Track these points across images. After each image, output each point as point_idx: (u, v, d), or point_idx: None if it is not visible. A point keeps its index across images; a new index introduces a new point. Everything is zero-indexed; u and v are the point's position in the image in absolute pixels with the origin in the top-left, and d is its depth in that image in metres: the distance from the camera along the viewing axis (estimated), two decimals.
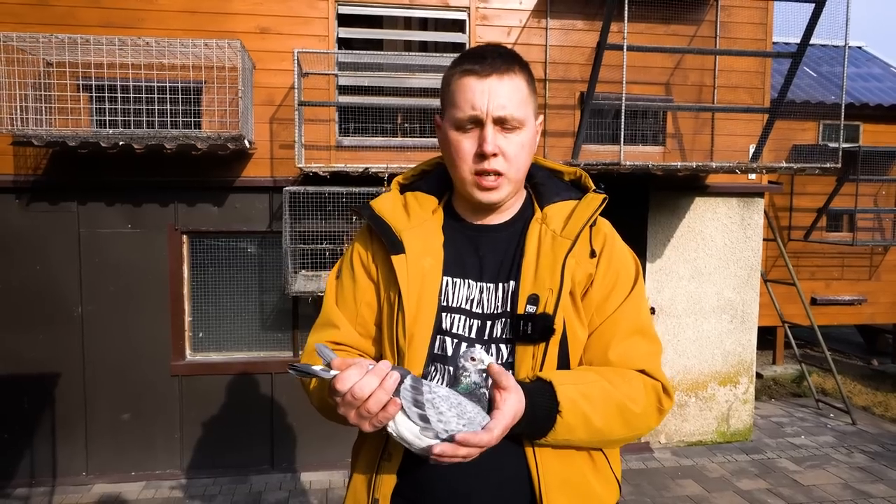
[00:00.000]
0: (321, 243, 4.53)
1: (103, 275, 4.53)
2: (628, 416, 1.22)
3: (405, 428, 1.04)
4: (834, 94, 7.70)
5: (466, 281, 1.30)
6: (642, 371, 1.26)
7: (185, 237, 4.65)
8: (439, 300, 1.28)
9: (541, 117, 1.36)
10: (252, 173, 4.63)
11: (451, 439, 1.01)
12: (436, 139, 4.86)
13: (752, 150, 5.19)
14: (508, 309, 1.26)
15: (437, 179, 1.41)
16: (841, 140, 4.82)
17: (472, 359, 1.11)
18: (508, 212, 1.35)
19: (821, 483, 4.62)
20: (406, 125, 4.94)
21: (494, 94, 1.21)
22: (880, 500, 4.34)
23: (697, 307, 5.38)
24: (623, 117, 4.28)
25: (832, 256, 7.85)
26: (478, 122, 1.23)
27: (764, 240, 5.76)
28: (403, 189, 1.44)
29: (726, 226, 5.39)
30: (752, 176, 5.32)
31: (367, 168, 4.33)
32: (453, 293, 1.30)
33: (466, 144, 1.25)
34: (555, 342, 1.22)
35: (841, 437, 5.55)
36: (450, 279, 1.30)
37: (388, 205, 1.37)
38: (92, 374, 4.56)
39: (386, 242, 1.30)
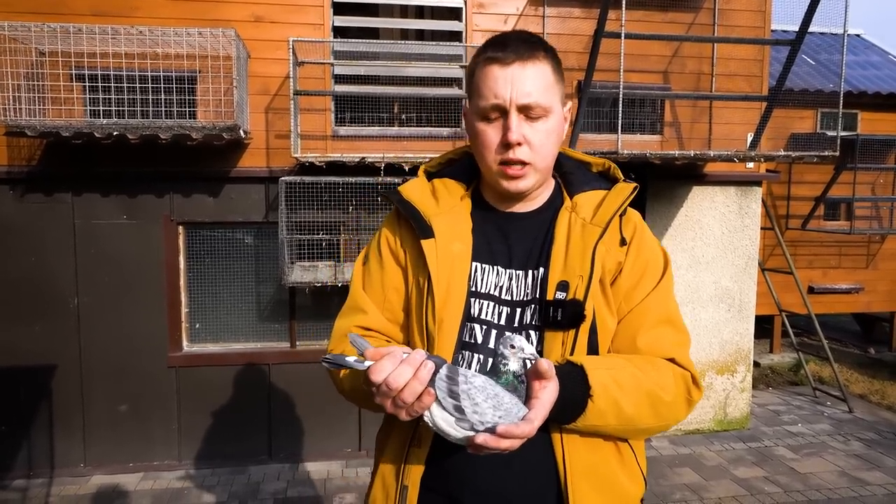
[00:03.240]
0: (318, 233, 4.52)
1: (99, 266, 4.51)
2: (658, 404, 1.20)
3: (441, 418, 1.04)
4: (832, 81, 7.67)
5: (495, 267, 1.29)
6: (671, 360, 1.25)
7: (180, 228, 4.63)
8: (468, 286, 1.26)
9: (570, 103, 1.34)
10: (248, 163, 4.60)
11: (492, 430, 1.00)
12: (432, 129, 4.88)
13: (749, 139, 5.17)
14: (538, 296, 1.25)
15: (464, 168, 1.41)
16: (839, 128, 4.81)
17: (512, 346, 1.08)
18: (537, 200, 1.34)
19: (817, 471, 4.64)
20: (403, 115, 4.91)
21: (518, 81, 1.19)
22: (877, 488, 4.36)
23: (695, 296, 5.38)
24: (621, 106, 4.26)
25: (829, 245, 7.85)
26: (502, 111, 1.21)
27: (762, 229, 5.75)
28: (430, 177, 1.43)
29: (724, 215, 5.37)
30: (750, 164, 5.30)
31: (363, 158, 4.30)
32: (482, 279, 1.28)
33: (491, 134, 1.23)
34: (584, 329, 1.21)
35: (837, 425, 5.57)
36: (479, 265, 1.29)
37: (416, 190, 1.37)
38: (89, 365, 4.55)
39: (416, 226, 1.30)
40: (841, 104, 4.70)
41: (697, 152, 4.50)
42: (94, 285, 4.52)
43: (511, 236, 1.31)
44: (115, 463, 4.61)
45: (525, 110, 1.20)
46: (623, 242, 1.27)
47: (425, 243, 1.27)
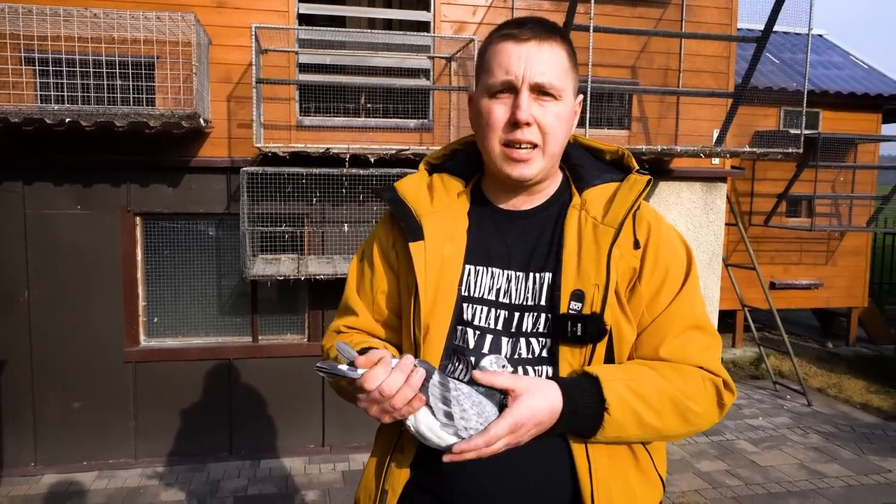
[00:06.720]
0: (280, 225, 4.42)
1: (51, 258, 4.34)
2: (685, 412, 1.15)
3: (424, 423, 1.05)
4: (796, 80, 7.79)
5: (490, 269, 1.22)
6: (699, 367, 1.18)
7: (138, 219, 4.48)
8: (459, 290, 1.21)
9: (581, 97, 1.28)
10: (208, 153, 4.47)
11: (449, 449, 1.03)
12: (398, 120, 4.79)
13: (715, 135, 5.21)
14: (544, 302, 1.18)
15: (467, 159, 1.33)
16: (802, 126, 4.87)
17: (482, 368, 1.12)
18: (542, 195, 1.26)
19: (777, 463, 4.72)
20: (369, 105, 4.83)
21: (533, 59, 1.13)
22: (834, 480, 4.44)
23: None
24: (589, 100, 4.24)
25: (791, 241, 7.99)
26: (512, 89, 1.15)
27: (726, 224, 5.82)
28: (433, 169, 1.36)
29: (689, 210, 5.41)
30: (716, 161, 5.35)
31: (328, 148, 4.21)
32: (476, 283, 1.22)
33: (498, 112, 1.16)
34: (602, 342, 1.15)
35: (797, 419, 5.68)
36: (472, 267, 1.23)
37: (412, 187, 1.30)
38: (40, 361, 4.38)
39: (405, 228, 1.24)
40: (805, 103, 4.76)
41: (664, 147, 4.52)
42: (45, 278, 4.35)
43: (511, 236, 1.24)
44: (68, 461, 4.46)
45: (537, 90, 1.14)
46: (637, 245, 1.19)
47: (413, 246, 1.21)
